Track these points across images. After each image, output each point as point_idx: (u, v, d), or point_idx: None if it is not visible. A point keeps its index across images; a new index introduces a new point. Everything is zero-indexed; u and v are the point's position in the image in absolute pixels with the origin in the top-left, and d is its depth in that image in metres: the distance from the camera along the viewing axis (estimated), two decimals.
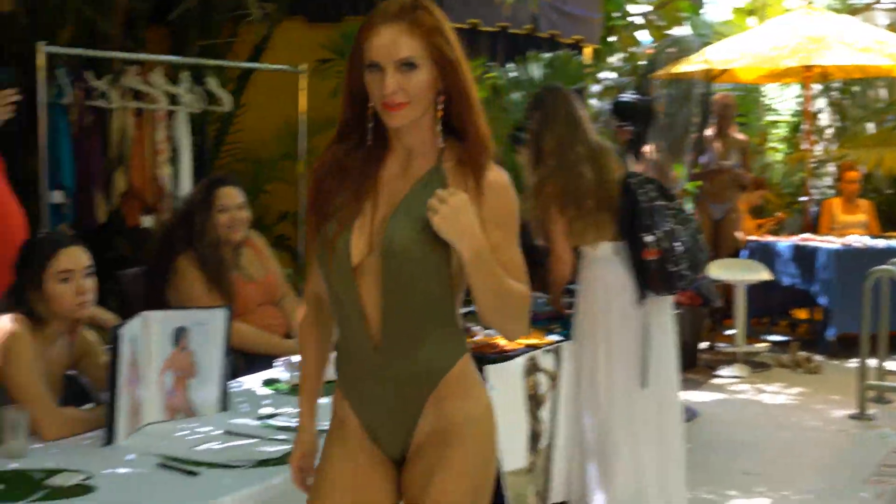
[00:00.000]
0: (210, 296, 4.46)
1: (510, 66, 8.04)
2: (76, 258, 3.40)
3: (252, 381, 3.97)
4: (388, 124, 2.38)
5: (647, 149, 6.76)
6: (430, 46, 2.33)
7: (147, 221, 5.98)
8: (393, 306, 2.36)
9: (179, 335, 3.43)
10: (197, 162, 6.26)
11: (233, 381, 3.83)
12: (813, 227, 9.87)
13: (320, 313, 2.57)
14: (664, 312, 4.72)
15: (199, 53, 7.08)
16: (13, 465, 2.90)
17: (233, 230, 4.63)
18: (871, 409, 7.03)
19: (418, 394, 2.39)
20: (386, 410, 2.42)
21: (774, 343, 9.15)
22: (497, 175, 2.40)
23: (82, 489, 2.70)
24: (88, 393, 3.60)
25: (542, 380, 4.53)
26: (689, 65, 9.84)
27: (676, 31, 11.65)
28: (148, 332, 3.33)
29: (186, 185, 6.00)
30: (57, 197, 5.57)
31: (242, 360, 4.37)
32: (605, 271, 4.67)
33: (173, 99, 6.13)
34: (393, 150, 2.44)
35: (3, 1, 6.30)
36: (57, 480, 2.75)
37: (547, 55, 8.06)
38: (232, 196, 4.65)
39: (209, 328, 3.51)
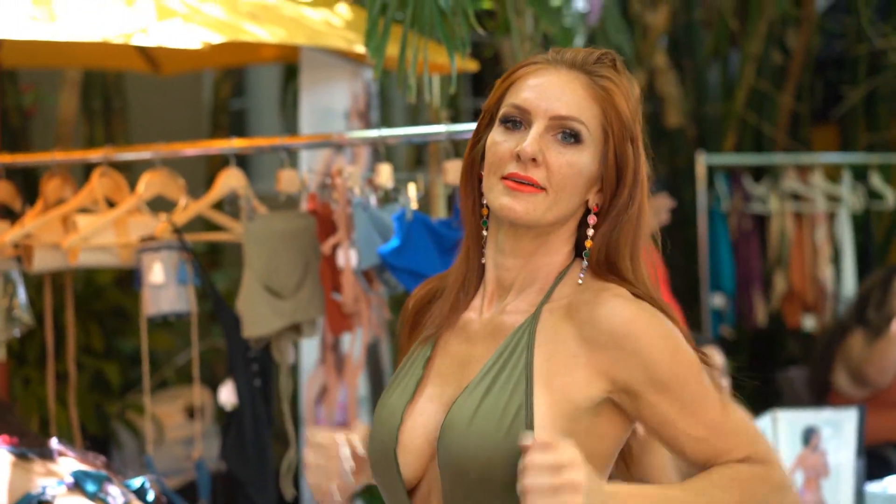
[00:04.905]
0: None
1: None
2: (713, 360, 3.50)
3: None
4: (500, 213, 1.51)
5: None
6: (607, 125, 1.51)
7: (808, 323, 5.94)
8: None
9: (810, 435, 3.39)
10: (861, 262, 6.12)
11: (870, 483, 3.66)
12: None
13: None
14: None
15: (866, 150, 6.90)
16: None
17: None
18: None
19: None
20: None
21: None
22: (616, 308, 1.50)
23: None
24: None
25: None
26: None
27: None
28: (776, 430, 3.33)
29: (850, 286, 5.88)
30: (717, 300, 5.74)
31: None
32: None
33: (835, 199, 6.05)
34: (487, 276, 1.60)
35: (673, 116, 6.66)
36: None
37: None
38: None
39: (842, 428, 3.42)
